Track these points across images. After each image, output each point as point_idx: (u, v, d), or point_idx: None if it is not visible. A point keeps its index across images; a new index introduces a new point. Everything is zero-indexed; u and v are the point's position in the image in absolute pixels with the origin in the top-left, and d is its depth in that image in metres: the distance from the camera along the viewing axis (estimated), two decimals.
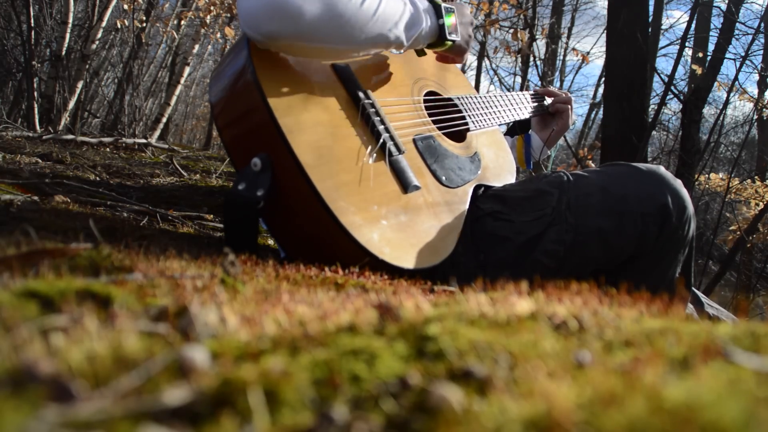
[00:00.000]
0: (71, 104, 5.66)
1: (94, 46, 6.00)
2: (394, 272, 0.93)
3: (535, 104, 1.71)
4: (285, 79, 1.02)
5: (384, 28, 1.09)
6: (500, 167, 1.42)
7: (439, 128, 1.31)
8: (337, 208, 0.93)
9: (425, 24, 1.19)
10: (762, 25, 7.23)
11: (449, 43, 1.25)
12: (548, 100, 1.77)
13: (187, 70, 7.13)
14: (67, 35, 5.49)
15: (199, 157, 4.58)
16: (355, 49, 1.09)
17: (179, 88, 6.98)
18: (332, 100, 1.08)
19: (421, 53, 1.30)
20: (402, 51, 1.20)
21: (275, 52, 1.03)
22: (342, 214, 0.93)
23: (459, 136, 1.36)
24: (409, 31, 1.15)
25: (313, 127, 1.00)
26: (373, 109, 1.12)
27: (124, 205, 1.67)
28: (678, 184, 1.16)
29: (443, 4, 1.24)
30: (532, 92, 1.75)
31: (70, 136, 3.83)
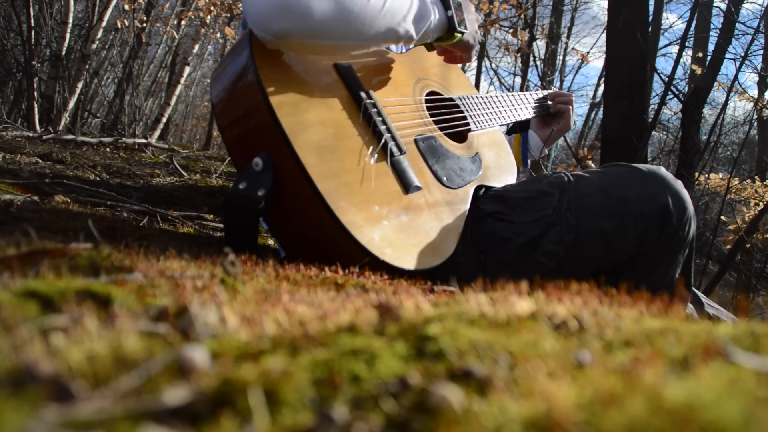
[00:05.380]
0: (71, 104, 5.66)
1: (94, 46, 6.00)
2: (395, 272, 0.93)
3: (537, 105, 1.70)
4: (287, 78, 1.02)
5: (393, 22, 1.09)
6: (501, 168, 1.42)
7: (441, 128, 1.31)
8: (338, 208, 0.93)
9: (433, 16, 1.17)
10: (762, 25, 7.23)
11: (458, 35, 1.23)
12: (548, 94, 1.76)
13: (187, 70, 7.13)
14: (67, 35, 5.49)
15: (199, 157, 4.58)
16: (364, 45, 1.09)
17: (179, 88, 6.98)
18: (334, 100, 1.08)
19: (429, 48, 1.28)
20: (412, 45, 1.18)
21: (277, 51, 1.03)
22: (343, 214, 0.93)
23: (460, 137, 1.36)
24: (418, 24, 1.14)
25: (314, 127, 1.00)
26: (375, 109, 1.12)
27: (124, 205, 1.67)
28: (678, 185, 1.16)
29: None
30: (534, 92, 1.74)
31: (70, 136, 3.83)
